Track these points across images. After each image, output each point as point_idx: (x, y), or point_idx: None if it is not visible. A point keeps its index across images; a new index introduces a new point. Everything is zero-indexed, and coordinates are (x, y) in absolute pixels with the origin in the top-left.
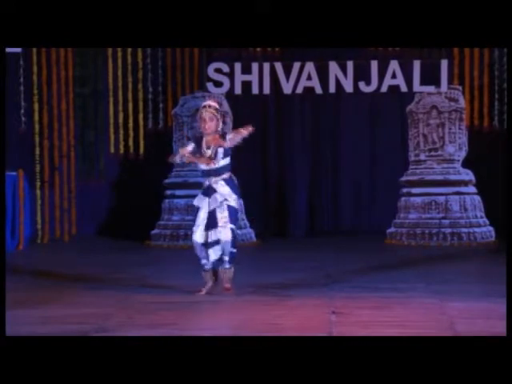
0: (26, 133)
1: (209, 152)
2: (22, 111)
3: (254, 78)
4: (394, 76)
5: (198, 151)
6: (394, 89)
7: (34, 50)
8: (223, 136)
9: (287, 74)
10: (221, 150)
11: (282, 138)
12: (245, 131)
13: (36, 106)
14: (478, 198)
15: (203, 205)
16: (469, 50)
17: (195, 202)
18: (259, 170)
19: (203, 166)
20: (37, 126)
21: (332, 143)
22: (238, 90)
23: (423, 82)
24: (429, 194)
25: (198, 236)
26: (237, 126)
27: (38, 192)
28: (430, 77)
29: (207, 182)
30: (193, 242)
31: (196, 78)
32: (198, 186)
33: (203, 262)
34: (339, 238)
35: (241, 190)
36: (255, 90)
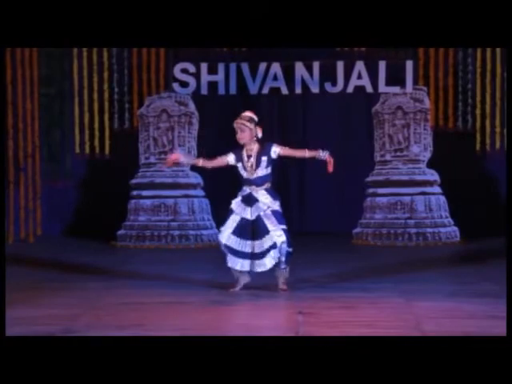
0: None
1: (251, 161)
2: None
3: (220, 78)
4: (359, 77)
5: (240, 159)
6: (359, 89)
7: None
8: (263, 144)
9: (253, 74)
10: (264, 159)
11: None
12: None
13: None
14: (442, 198)
15: (241, 212)
16: (434, 51)
17: (233, 207)
18: (227, 171)
19: (244, 175)
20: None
21: (299, 143)
22: (204, 91)
23: (388, 83)
24: (394, 195)
25: (225, 237)
26: (203, 126)
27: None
28: (396, 77)
29: (247, 190)
30: (218, 242)
31: (162, 79)
32: (164, 186)
33: (232, 262)
34: (307, 238)
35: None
36: (221, 91)
